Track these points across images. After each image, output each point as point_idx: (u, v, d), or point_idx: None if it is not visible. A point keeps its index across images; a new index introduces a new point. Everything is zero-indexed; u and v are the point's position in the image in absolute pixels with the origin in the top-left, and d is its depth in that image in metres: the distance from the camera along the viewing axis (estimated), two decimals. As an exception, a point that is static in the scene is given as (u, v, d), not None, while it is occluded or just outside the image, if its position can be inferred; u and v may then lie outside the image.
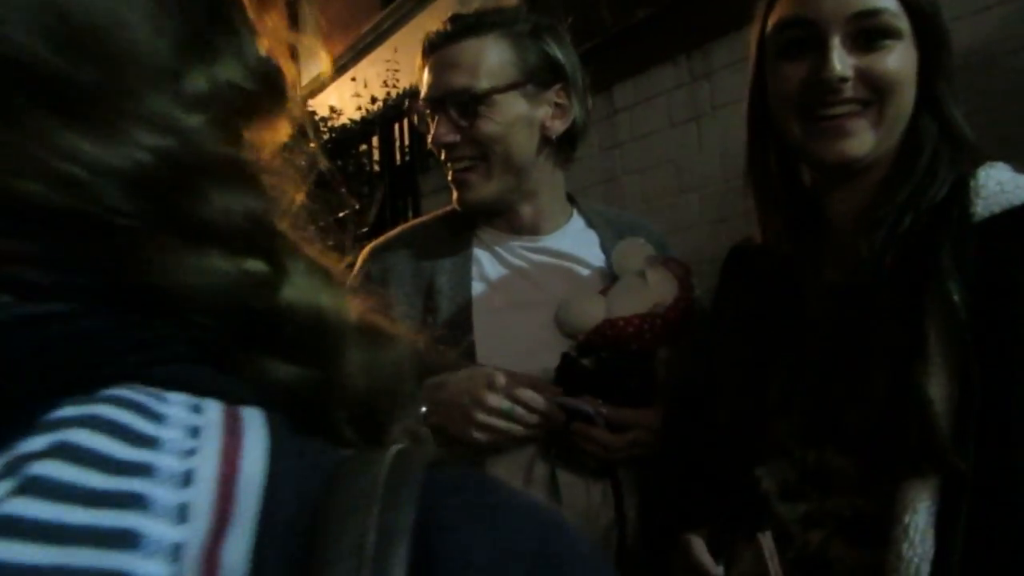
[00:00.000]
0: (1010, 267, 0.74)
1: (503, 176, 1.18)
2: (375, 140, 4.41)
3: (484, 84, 1.14)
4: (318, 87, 6.41)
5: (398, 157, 4.29)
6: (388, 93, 4.51)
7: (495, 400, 1.05)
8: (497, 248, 1.24)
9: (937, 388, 0.73)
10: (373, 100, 4.49)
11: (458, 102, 1.14)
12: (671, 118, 2.61)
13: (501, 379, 1.06)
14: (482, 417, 1.05)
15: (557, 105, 1.19)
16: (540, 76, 1.18)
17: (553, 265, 1.23)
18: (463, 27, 1.17)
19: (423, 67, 1.19)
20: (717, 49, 2.49)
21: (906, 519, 0.74)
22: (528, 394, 1.06)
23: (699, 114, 2.56)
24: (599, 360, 1.10)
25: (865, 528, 0.79)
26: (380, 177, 4.29)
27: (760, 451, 0.90)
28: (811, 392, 0.85)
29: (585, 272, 1.23)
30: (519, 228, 1.24)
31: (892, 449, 0.76)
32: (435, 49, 1.17)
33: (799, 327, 0.90)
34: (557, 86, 1.18)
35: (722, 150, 2.47)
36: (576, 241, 1.26)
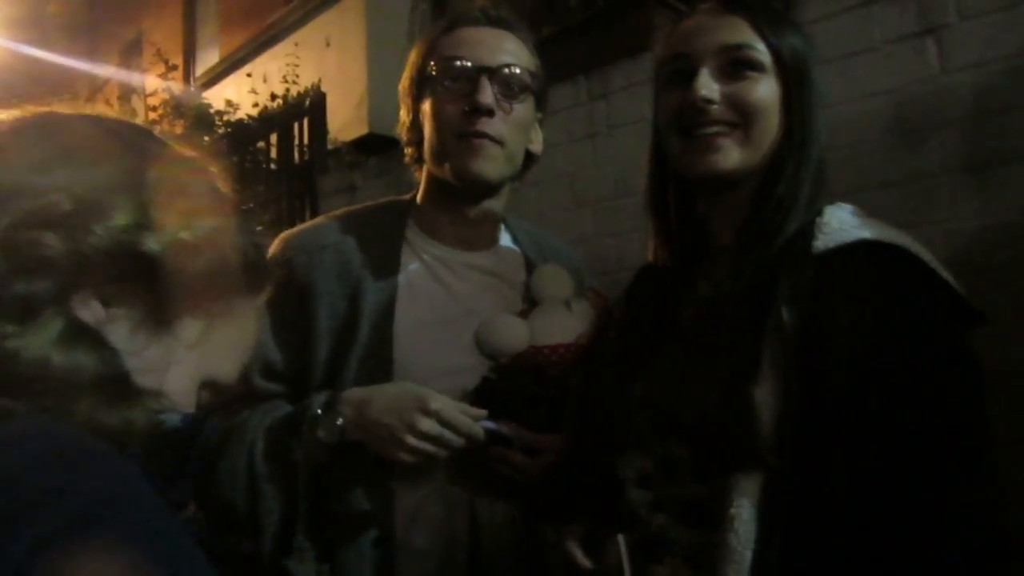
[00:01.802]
0: (832, 296, 0.84)
1: (509, 167, 1.18)
2: (273, 137, 4.32)
3: (527, 77, 1.16)
4: (212, 79, 6.22)
5: (296, 156, 4.22)
6: (288, 90, 4.42)
7: (427, 425, 1.03)
8: (425, 256, 1.21)
9: (764, 396, 0.83)
10: (273, 97, 4.39)
11: (507, 79, 1.14)
12: (569, 134, 2.70)
13: (435, 403, 1.04)
14: (412, 441, 1.03)
15: (539, 122, 1.23)
16: (541, 92, 1.21)
17: (479, 282, 1.22)
18: (506, 19, 1.18)
19: (461, 36, 1.16)
20: (615, 72, 2.61)
21: (732, 510, 0.83)
22: (459, 418, 1.05)
23: (595, 132, 2.67)
24: (517, 385, 1.11)
25: (702, 513, 0.88)
26: (278, 175, 4.21)
27: (622, 444, 0.99)
28: (666, 390, 0.95)
29: (509, 292, 1.23)
30: (455, 239, 1.22)
31: (723, 445, 0.86)
32: (489, 23, 1.17)
33: (669, 334, 0.99)
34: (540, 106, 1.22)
35: (616, 167, 2.58)
36: (503, 259, 1.26)
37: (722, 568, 0.82)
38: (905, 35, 1.99)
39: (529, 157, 1.24)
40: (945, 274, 0.85)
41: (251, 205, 4.24)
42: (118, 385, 0.46)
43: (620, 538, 0.95)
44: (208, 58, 7.05)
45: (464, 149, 1.14)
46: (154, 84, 5.54)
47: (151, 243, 0.52)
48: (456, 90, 1.15)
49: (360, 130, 4.21)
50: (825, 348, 0.82)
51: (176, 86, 5.77)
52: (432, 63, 1.17)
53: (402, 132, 1.26)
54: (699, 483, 0.89)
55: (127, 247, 0.50)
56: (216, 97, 4.93)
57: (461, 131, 1.14)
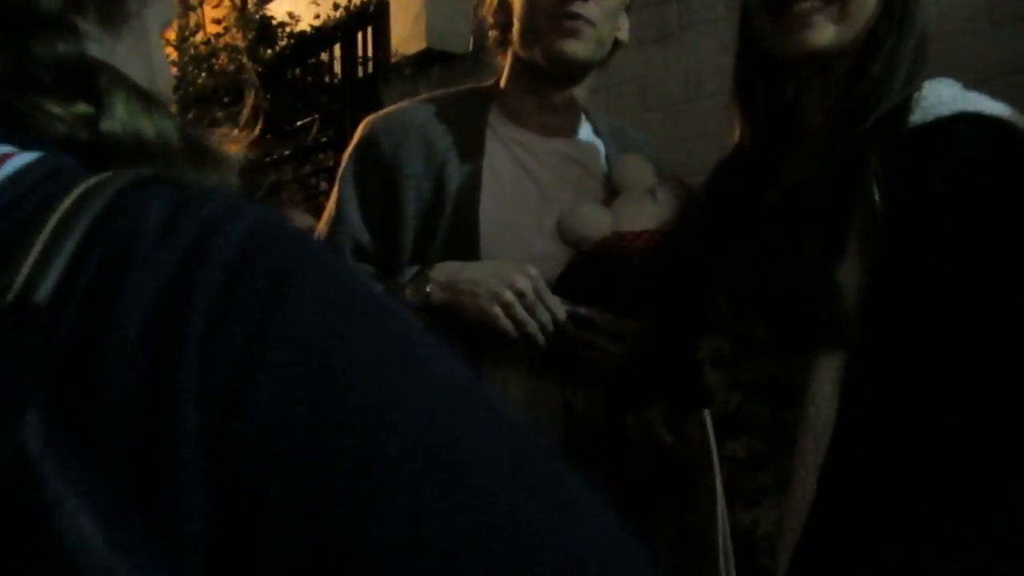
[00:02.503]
0: (926, 171, 0.80)
1: (599, 51, 1.18)
2: (336, 49, 4.32)
3: None
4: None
5: (360, 69, 4.22)
6: (350, 1, 4.38)
7: (524, 284, 1.06)
8: (509, 141, 1.21)
9: (849, 274, 0.81)
10: (336, 7, 4.36)
11: None
12: (639, 36, 2.65)
13: (532, 270, 1.07)
14: (509, 296, 1.05)
15: (626, 8, 1.22)
16: None
17: (562, 169, 1.21)
18: None
19: None
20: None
21: (814, 387, 0.81)
22: (549, 292, 1.07)
23: (666, 33, 2.61)
24: (603, 271, 1.11)
25: (779, 391, 0.87)
26: (341, 88, 4.22)
27: (701, 324, 0.99)
28: (749, 271, 0.94)
29: (591, 181, 1.22)
30: (539, 125, 1.22)
31: (806, 323, 0.84)
32: None
33: (754, 218, 0.98)
34: None
35: (686, 70, 2.53)
36: (585, 148, 1.25)
37: (803, 442, 0.82)
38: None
39: (616, 44, 1.23)
40: None
41: (316, 117, 4.28)
42: (200, 147, 0.39)
43: (705, 413, 0.97)
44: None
45: (557, 30, 1.13)
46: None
47: None
48: None
49: (419, 45, 4.18)
50: (916, 226, 0.79)
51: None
52: None
53: (487, 14, 1.25)
54: (777, 362, 0.89)
55: None
56: (278, 10, 4.92)
57: (554, 13, 1.13)
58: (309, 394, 0.27)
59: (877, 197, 0.82)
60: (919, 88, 0.87)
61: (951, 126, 0.81)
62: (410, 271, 1.15)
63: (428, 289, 1.10)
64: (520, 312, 1.07)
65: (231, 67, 3.98)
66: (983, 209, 0.77)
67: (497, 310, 1.06)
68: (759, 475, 0.90)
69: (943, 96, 0.85)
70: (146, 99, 0.37)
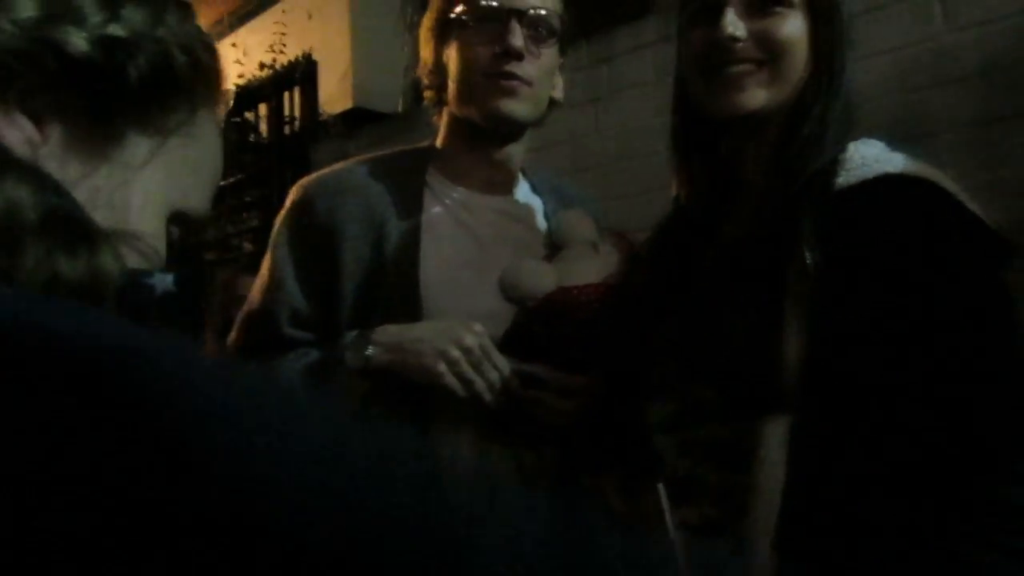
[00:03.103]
0: (853, 233, 0.81)
1: (535, 110, 1.17)
2: (262, 108, 4.26)
3: (555, 20, 1.14)
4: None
5: (287, 127, 4.17)
6: (275, 59, 4.36)
7: (471, 341, 1.04)
8: (448, 201, 1.20)
9: (788, 338, 0.82)
10: (262, 66, 4.32)
11: (536, 22, 1.12)
12: (571, 98, 2.70)
13: (479, 326, 1.05)
14: (455, 354, 1.03)
15: (560, 68, 1.21)
16: (566, 36, 1.19)
17: (502, 226, 1.20)
18: None
19: None
20: (617, 35, 2.60)
21: (762, 452, 0.82)
22: (497, 353, 1.05)
23: (598, 96, 2.66)
24: (549, 327, 1.10)
25: (728, 455, 0.87)
26: (268, 147, 4.16)
27: (649, 388, 0.99)
28: (691, 334, 0.94)
29: (531, 237, 1.21)
30: (478, 183, 1.21)
31: (749, 389, 0.85)
32: None
33: (694, 277, 0.99)
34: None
35: (618, 131, 2.58)
36: (524, 205, 1.25)
37: (753, 509, 0.81)
38: (909, -6, 2.00)
39: (551, 103, 1.24)
40: (974, 207, 0.82)
41: (240, 177, 4.20)
42: (73, 225, 0.36)
43: (660, 486, 0.95)
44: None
45: (494, 89, 1.13)
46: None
47: (75, 39, 0.42)
48: (485, 32, 1.14)
49: (345, 104, 4.17)
50: (847, 288, 0.80)
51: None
52: (459, 4, 1.16)
53: (423, 74, 1.25)
54: (725, 426, 0.89)
55: (47, 44, 0.41)
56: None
57: (490, 72, 1.13)
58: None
59: (809, 260, 0.83)
60: (845, 149, 0.89)
61: (875, 188, 0.83)
62: (351, 335, 1.11)
63: (369, 351, 1.07)
64: (467, 370, 1.04)
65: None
66: (907, 270, 0.79)
67: (443, 367, 1.04)
68: (716, 541, 0.89)
69: (867, 157, 0.87)
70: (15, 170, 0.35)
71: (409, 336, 1.06)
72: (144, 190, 0.46)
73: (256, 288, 1.22)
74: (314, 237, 1.17)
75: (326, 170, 1.26)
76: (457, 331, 1.04)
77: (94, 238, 0.36)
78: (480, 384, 1.05)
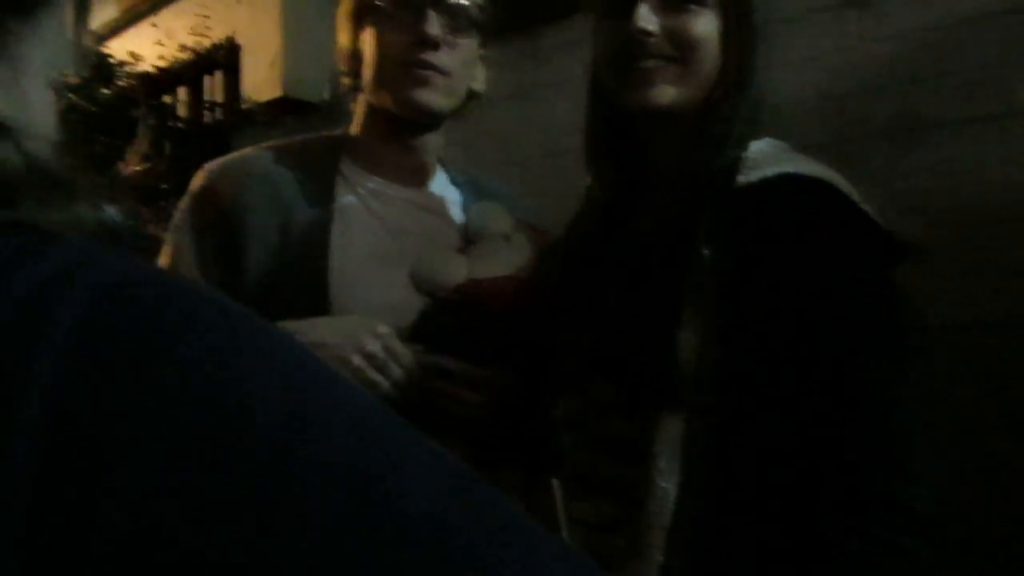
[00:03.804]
0: (750, 231, 0.82)
1: (452, 101, 1.14)
2: (182, 92, 4.11)
3: (474, 10, 1.11)
4: (113, 30, 5.87)
5: (207, 113, 4.04)
6: (198, 43, 4.21)
7: (374, 346, 1.01)
8: (361, 191, 1.16)
9: (686, 335, 0.82)
10: (182, 48, 4.17)
11: (453, 11, 1.09)
12: (497, 94, 2.69)
13: (384, 329, 1.02)
14: (358, 361, 1.00)
15: (483, 59, 1.19)
16: (487, 26, 1.16)
17: (417, 218, 1.17)
18: None
19: None
20: (545, 32, 2.60)
21: (656, 448, 0.82)
22: (402, 349, 1.02)
23: (524, 92, 2.65)
24: (460, 319, 1.08)
25: (626, 450, 0.87)
26: (187, 133, 4.02)
27: (557, 383, 0.99)
28: (595, 330, 0.94)
29: (446, 230, 1.19)
30: (393, 173, 1.18)
31: (647, 385, 0.85)
32: None
33: (602, 273, 0.98)
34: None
35: (544, 128, 2.58)
36: (441, 197, 1.22)
37: (648, 504, 0.82)
38: (828, 5, 2.05)
39: (471, 94, 1.22)
40: (867, 207, 0.84)
41: (158, 163, 4.04)
42: (50, 173, 0.34)
43: (555, 483, 0.95)
44: (104, 12, 6.67)
45: (409, 78, 1.11)
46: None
47: None
48: (401, 19, 1.11)
49: (274, 92, 4.06)
50: (744, 286, 0.81)
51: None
52: None
53: (340, 60, 1.21)
54: (624, 421, 0.89)
55: None
56: (118, 49, 4.65)
57: (406, 61, 1.10)
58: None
59: (706, 257, 0.84)
60: (746, 148, 0.90)
61: (773, 187, 0.84)
62: None
63: None
64: (372, 375, 1.02)
65: (60, 106, 3.70)
66: (800, 269, 0.80)
67: (346, 376, 1.01)
68: (611, 538, 0.88)
69: (768, 156, 0.88)
70: None
71: (309, 338, 1.01)
72: (37, 95, 0.42)
73: None
74: (216, 223, 1.12)
75: (232, 155, 1.21)
76: (359, 336, 1.01)
77: (73, 191, 0.34)
78: (385, 385, 1.03)
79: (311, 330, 1.02)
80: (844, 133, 1.99)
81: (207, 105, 4.02)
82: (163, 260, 1.16)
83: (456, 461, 0.31)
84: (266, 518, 0.25)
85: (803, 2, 2.10)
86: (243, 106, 4.01)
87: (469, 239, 1.19)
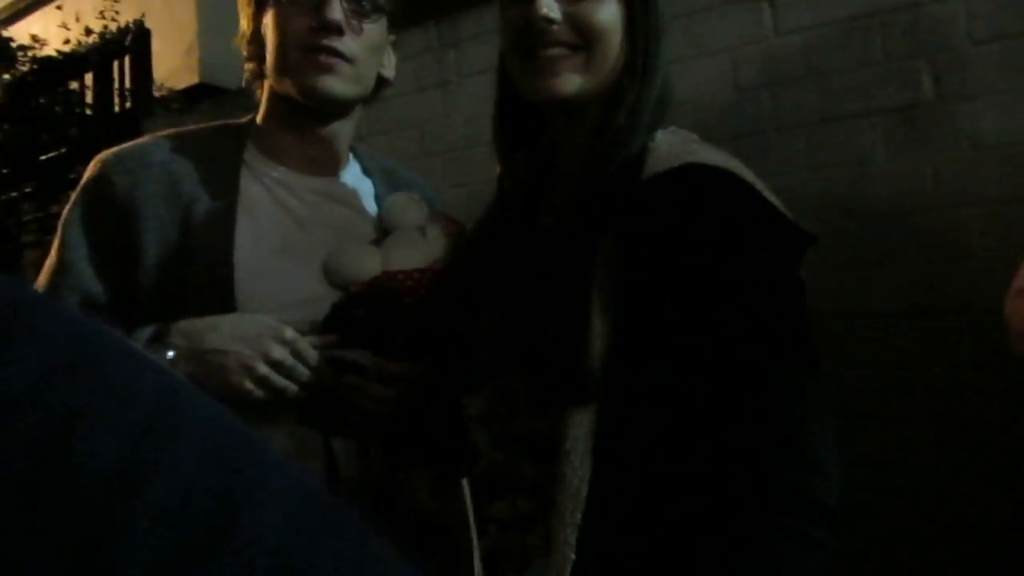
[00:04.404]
0: (654, 222, 0.82)
1: (358, 88, 1.12)
2: (89, 78, 3.93)
3: None
4: (14, 13, 5.57)
5: (116, 100, 3.87)
6: (106, 27, 4.02)
7: (281, 353, 0.98)
8: (267, 180, 1.12)
9: (593, 328, 0.81)
10: (88, 32, 3.98)
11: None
12: (418, 82, 2.64)
13: (289, 333, 0.98)
14: (263, 369, 0.97)
15: (392, 46, 1.16)
16: (394, 11, 1.13)
17: (326, 209, 1.14)
18: None
19: None
20: (465, 19, 2.57)
21: (567, 443, 0.81)
22: (312, 351, 1.00)
23: (445, 80, 2.62)
24: (371, 312, 1.06)
25: (540, 447, 0.86)
26: (95, 120, 3.84)
27: (468, 379, 0.96)
28: (504, 323, 0.92)
29: (358, 220, 1.16)
30: (300, 162, 1.14)
31: (555, 379, 0.84)
32: None
33: (512, 265, 0.97)
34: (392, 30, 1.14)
35: (465, 117, 2.55)
36: (352, 187, 1.19)
37: (560, 501, 0.80)
38: (742, -3, 2.08)
39: (381, 81, 1.18)
40: (772, 198, 0.84)
41: (64, 151, 3.85)
42: None
43: (464, 482, 0.93)
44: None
45: (310, 65, 1.06)
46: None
47: None
48: (302, 3, 1.07)
49: (190, 79, 3.92)
50: (647, 276, 0.81)
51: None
52: None
53: (241, 44, 1.16)
54: (537, 417, 0.88)
55: None
56: (20, 32, 4.41)
57: (308, 46, 1.06)
58: None
59: (612, 248, 0.83)
60: (653, 138, 0.89)
61: (678, 178, 0.83)
62: (146, 331, 1.01)
63: (170, 356, 0.98)
64: (278, 381, 0.99)
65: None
66: (705, 260, 0.80)
67: (250, 385, 0.98)
68: (527, 537, 0.87)
69: (674, 146, 0.88)
70: None
71: (210, 346, 0.98)
72: None
73: (44, 271, 1.10)
74: (111, 216, 1.06)
75: (128, 144, 1.15)
76: (264, 341, 0.98)
77: None
78: (292, 389, 1.00)
79: (211, 333, 0.98)
80: (757, 124, 2.03)
81: (117, 91, 3.85)
82: (51, 255, 1.09)
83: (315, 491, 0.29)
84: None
85: (719, -7, 2.13)
86: (156, 93, 3.86)
87: (384, 230, 1.16)
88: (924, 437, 1.81)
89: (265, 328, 0.99)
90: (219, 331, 0.98)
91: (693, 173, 0.83)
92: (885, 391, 1.85)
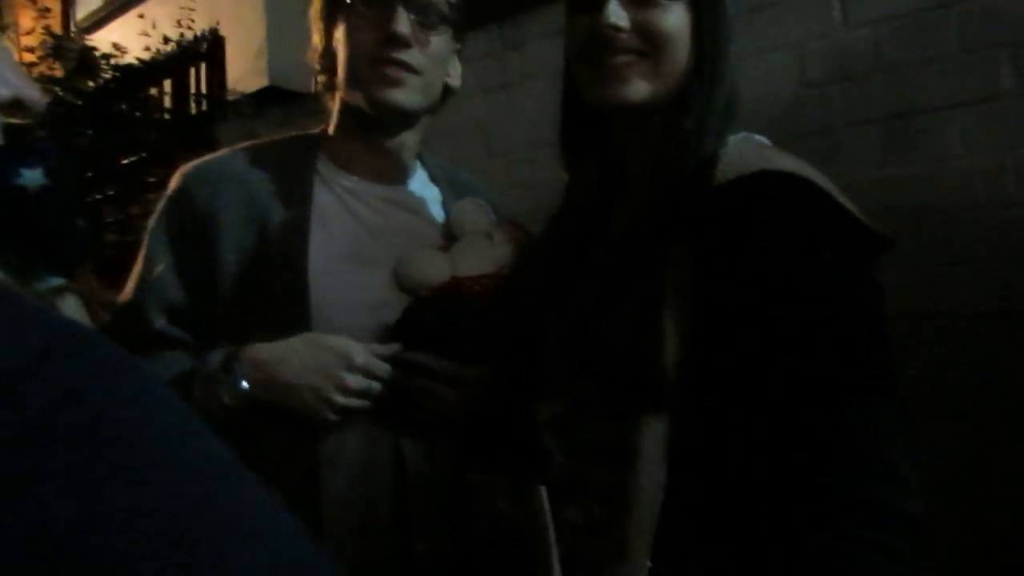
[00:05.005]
0: (729, 230, 0.81)
1: (425, 98, 1.14)
2: (167, 84, 4.08)
3: (444, 6, 1.10)
4: (96, 21, 5.81)
5: (193, 105, 4.01)
6: (182, 35, 4.17)
7: (356, 381, 1.02)
8: (338, 190, 1.16)
9: (667, 337, 0.81)
10: (166, 40, 4.13)
11: (424, 8, 1.08)
12: (482, 84, 2.67)
13: (359, 357, 1.02)
14: (341, 401, 1.01)
15: (457, 54, 1.18)
16: (460, 22, 1.15)
17: (396, 217, 1.17)
18: None
19: None
20: (528, 20, 2.58)
21: (642, 451, 0.81)
22: (381, 366, 1.03)
23: (508, 82, 2.64)
24: (441, 317, 1.08)
25: (612, 454, 0.86)
26: (172, 124, 3.99)
27: (540, 385, 0.97)
28: (576, 331, 0.93)
29: (425, 227, 1.18)
30: (369, 171, 1.17)
31: (628, 387, 0.84)
32: None
33: (583, 272, 0.97)
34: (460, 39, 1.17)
35: (529, 118, 2.56)
36: (419, 194, 1.22)
37: (635, 508, 0.81)
38: (810, -9, 2.04)
39: (447, 90, 1.21)
40: (847, 203, 0.83)
41: (143, 155, 4.01)
42: None
43: (541, 487, 0.94)
44: (89, 2, 6.62)
45: (380, 77, 1.10)
46: (30, 23, 5.12)
47: None
48: (370, 17, 1.10)
49: (259, 82, 4.03)
50: (723, 285, 0.80)
51: (55, 26, 5.37)
52: None
53: (314, 58, 1.20)
54: (609, 424, 0.88)
55: None
56: (103, 41, 4.61)
57: (376, 59, 1.09)
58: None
59: (685, 256, 0.83)
60: (724, 144, 0.89)
61: (752, 185, 0.83)
62: (215, 356, 1.05)
63: (244, 388, 1.02)
64: (355, 403, 1.03)
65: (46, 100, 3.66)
66: (783, 268, 0.79)
67: (331, 415, 1.03)
68: (599, 542, 0.88)
69: (745, 153, 0.87)
70: None
71: (283, 377, 1.02)
72: None
73: (130, 280, 1.16)
74: (192, 226, 1.12)
75: (208, 157, 1.21)
76: (337, 373, 1.02)
77: None
78: (367, 403, 1.04)
79: (282, 365, 1.02)
80: (827, 120, 1.99)
81: (193, 96, 3.99)
82: (137, 265, 1.15)
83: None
84: None
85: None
86: (229, 97, 3.99)
87: (451, 236, 1.18)
88: (1002, 439, 1.75)
89: (335, 357, 1.02)
90: (290, 363, 1.02)
91: (768, 180, 0.83)
92: (960, 392, 1.79)
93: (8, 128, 0.46)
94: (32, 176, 0.39)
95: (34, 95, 0.46)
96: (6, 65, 0.45)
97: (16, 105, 0.45)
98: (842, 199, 0.83)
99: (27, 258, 0.37)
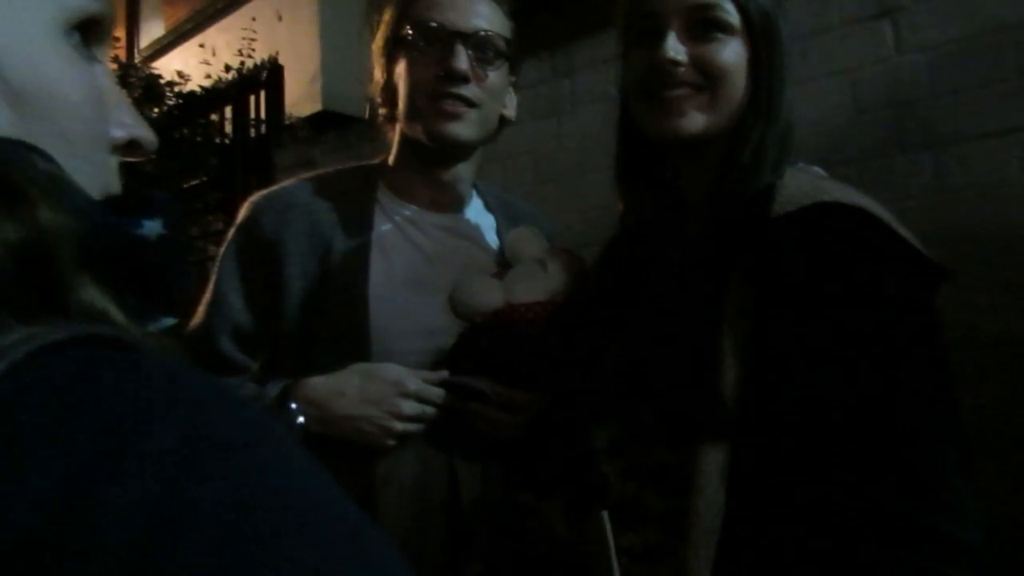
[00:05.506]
0: (788, 261, 0.83)
1: (482, 131, 1.17)
2: (227, 111, 4.22)
3: (501, 42, 1.14)
4: (159, 50, 6.03)
5: (252, 130, 4.14)
6: (243, 63, 4.31)
7: (411, 408, 1.06)
8: (397, 218, 1.20)
9: (725, 366, 0.82)
10: (227, 68, 4.28)
11: (481, 45, 1.12)
12: (532, 111, 2.71)
13: (412, 384, 1.06)
14: (399, 428, 1.06)
15: (513, 85, 1.23)
16: (515, 56, 1.20)
17: (451, 244, 1.21)
18: None
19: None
20: (578, 48, 2.61)
21: (701, 478, 0.82)
22: (434, 391, 1.07)
23: (559, 109, 2.67)
24: (496, 343, 1.11)
25: (672, 480, 0.87)
26: (232, 149, 4.12)
27: (597, 410, 0.99)
28: (634, 358, 0.95)
29: (481, 255, 1.23)
30: (428, 200, 1.22)
31: (688, 415, 0.86)
32: None
33: (640, 299, 0.99)
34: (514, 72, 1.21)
35: (579, 144, 2.59)
36: (475, 222, 1.26)
37: (693, 534, 0.82)
38: (861, 17, 2.03)
39: (503, 121, 1.24)
40: (906, 234, 0.83)
41: (204, 179, 4.14)
42: None
43: (604, 514, 0.96)
44: (152, 30, 6.87)
45: (438, 111, 1.14)
46: (99, 53, 5.33)
47: None
48: (430, 53, 1.14)
49: (314, 107, 4.14)
50: (783, 316, 0.81)
51: (120, 55, 5.59)
52: (406, 25, 1.17)
53: (376, 92, 1.25)
54: (667, 450, 0.89)
55: None
56: (165, 69, 4.79)
57: (436, 94, 1.14)
58: None
59: (744, 287, 0.84)
60: (781, 176, 0.90)
61: (811, 217, 0.84)
62: (275, 388, 1.10)
63: (300, 423, 1.06)
64: (411, 428, 1.07)
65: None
66: (842, 299, 0.80)
67: (390, 442, 1.07)
68: (657, 568, 0.89)
69: (803, 185, 0.89)
70: None
71: (340, 410, 1.06)
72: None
73: (201, 304, 1.21)
74: (260, 253, 1.17)
75: (275, 187, 1.26)
76: (393, 402, 1.06)
77: (16, 190, 0.32)
78: (423, 427, 1.08)
79: (339, 399, 1.06)
80: (880, 146, 1.97)
81: (252, 121, 4.12)
82: (208, 289, 1.21)
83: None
84: None
85: (838, 16, 2.09)
86: (286, 121, 4.10)
87: (506, 264, 1.21)
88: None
89: (388, 386, 1.06)
90: (346, 396, 1.06)
91: (826, 212, 0.84)
92: (1018, 419, 1.75)
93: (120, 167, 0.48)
94: (152, 226, 0.43)
95: (148, 135, 0.48)
96: (122, 106, 0.47)
97: (132, 145, 0.48)
98: (902, 230, 0.84)
99: (146, 302, 0.40)
